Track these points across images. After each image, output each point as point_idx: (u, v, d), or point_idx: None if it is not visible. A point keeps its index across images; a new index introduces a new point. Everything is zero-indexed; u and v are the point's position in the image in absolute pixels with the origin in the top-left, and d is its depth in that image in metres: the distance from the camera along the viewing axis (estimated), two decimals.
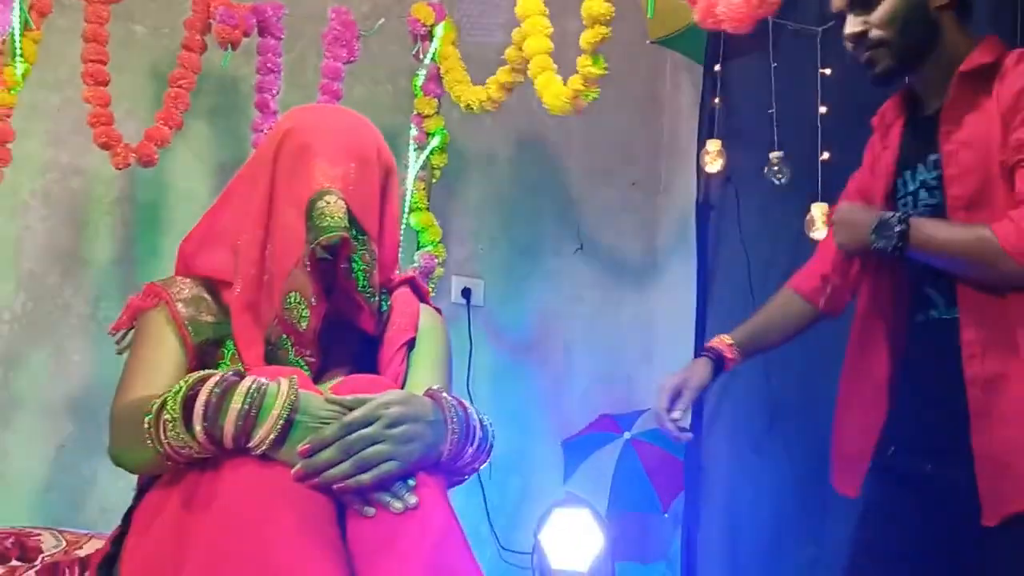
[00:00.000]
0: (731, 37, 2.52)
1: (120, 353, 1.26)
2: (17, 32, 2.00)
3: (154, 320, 1.22)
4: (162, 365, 1.19)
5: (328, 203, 1.16)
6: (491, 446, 1.17)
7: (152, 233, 2.59)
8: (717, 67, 2.58)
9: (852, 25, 1.45)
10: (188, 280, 1.27)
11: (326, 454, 1.01)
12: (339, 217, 1.15)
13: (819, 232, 2.11)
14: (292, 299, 1.18)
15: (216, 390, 1.01)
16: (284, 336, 1.20)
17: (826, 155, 2.24)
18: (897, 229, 1.34)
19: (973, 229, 1.32)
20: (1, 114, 2.00)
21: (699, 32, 2.36)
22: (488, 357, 2.97)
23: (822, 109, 2.28)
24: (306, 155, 1.20)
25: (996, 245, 1.27)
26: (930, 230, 1.35)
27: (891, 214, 1.38)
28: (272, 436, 1.00)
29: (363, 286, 1.22)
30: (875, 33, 1.42)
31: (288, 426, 1.01)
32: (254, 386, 1.02)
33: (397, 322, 1.30)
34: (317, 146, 1.21)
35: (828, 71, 2.29)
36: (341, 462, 1.02)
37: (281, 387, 1.03)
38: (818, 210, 2.14)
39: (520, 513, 2.97)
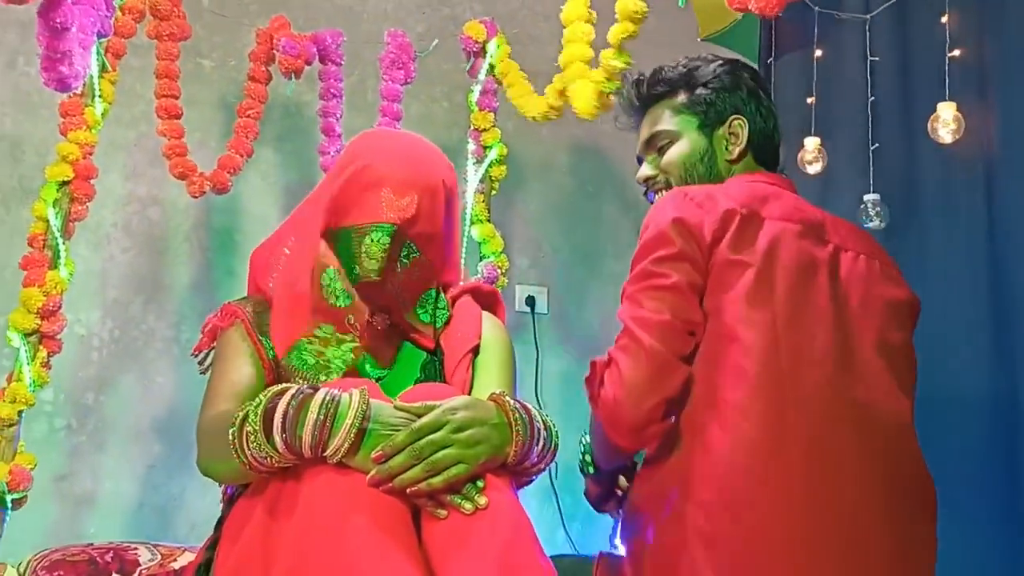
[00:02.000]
0: (781, 31, 2.51)
1: (203, 373, 1.33)
2: (96, 75, 2.11)
3: (232, 338, 1.29)
4: (242, 380, 1.25)
5: (373, 241, 1.24)
6: (556, 447, 1.20)
7: (228, 257, 2.69)
8: (770, 61, 2.57)
9: (645, 169, 1.49)
10: (258, 299, 1.34)
11: (398, 459, 1.06)
12: (379, 259, 1.25)
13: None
14: (327, 276, 1.26)
15: (293, 403, 1.06)
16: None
17: (876, 144, 2.22)
18: (584, 453, 1.40)
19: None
20: (84, 152, 2.10)
21: (750, 28, 2.35)
22: (555, 364, 2.99)
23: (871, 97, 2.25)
24: (373, 185, 1.26)
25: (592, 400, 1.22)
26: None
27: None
28: (346, 445, 1.05)
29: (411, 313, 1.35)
30: (661, 176, 1.45)
31: (361, 434, 1.06)
32: (328, 397, 1.06)
33: (460, 331, 1.34)
34: (383, 176, 1.26)
35: (877, 58, 2.27)
36: (413, 467, 1.06)
37: (353, 398, 1.07)
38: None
39: (595, 518, 2.97)
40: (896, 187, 2.20)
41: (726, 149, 1.40)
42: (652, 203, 1.46)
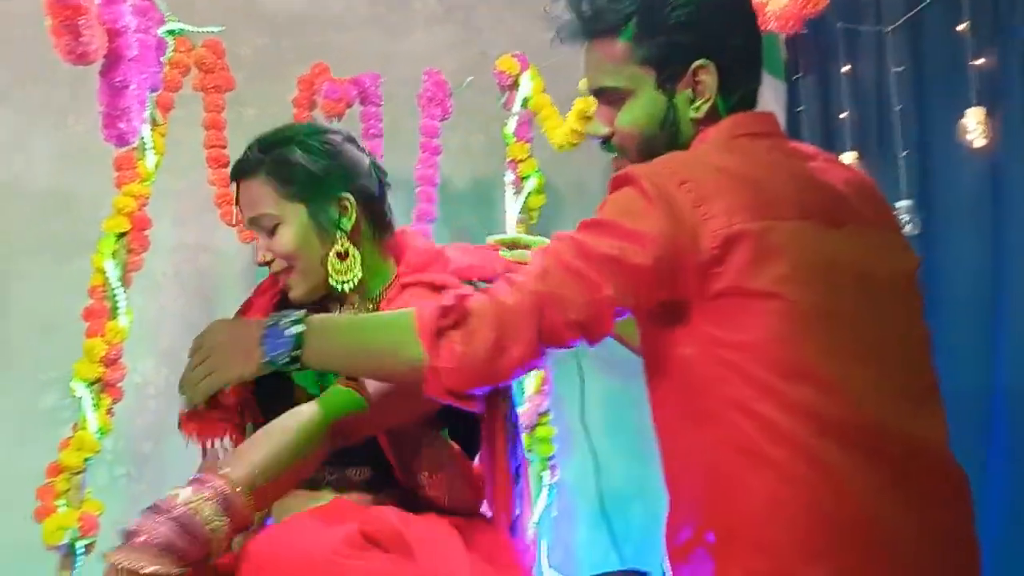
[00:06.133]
0: (806, 48, 2.55)
1: None
2: (147, 129, 2.18)
3: None
4: None
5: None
6: None
7: None
8: (796, 78, 2.61)
9: (598, 124, 1.18)
10: None
11: None
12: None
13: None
14: None
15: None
16: None
17: (905, 152, 2.26)
18: (290, 332, 1.04)
19: (395, 314, 1.04)
20: (139, 203, 2.17)
21: (772, 45, 2.40)
22: (600, 386, 3.00)
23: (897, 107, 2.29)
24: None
25: (409, 327, 0.98)
26: (328, 326, 1.07)
27: (282, 315, 1.07)
28: None
29: None
30: (616, 139, 1.16)
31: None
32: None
33: None
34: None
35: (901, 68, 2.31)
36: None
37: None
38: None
39: (647, 540, 2.97)
40: (926, 192, 2.25)
41: (692, 107, 1.11)
42: (614, 163, 1.18)
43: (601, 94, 1.16)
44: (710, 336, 1.00)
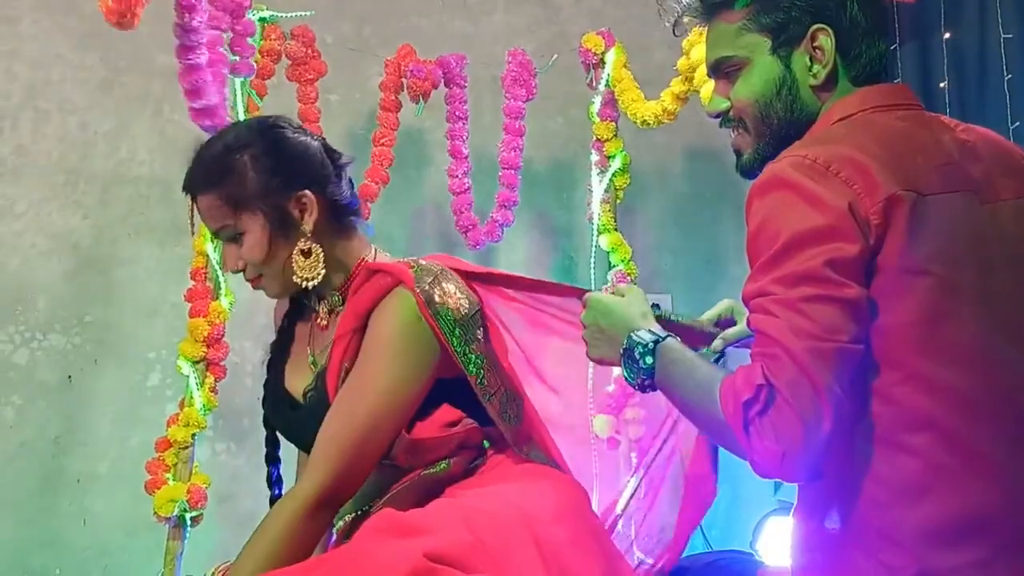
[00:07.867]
0: (902, 16, 2.47)
1: None
2: (241, 114, 2.24)
3: None
4: None
5: None
6: None
7: None
8: (894, 47, 2.53)
9: (715, 100, 1.16)
10: None
11: None
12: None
13: None
14: None
15: None
16: None
17: (1016, 123, 2.16)
18: (643, 363, 1.04)
19: (713, 374, 0.97)
20: None
21: None
22: None
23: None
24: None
25: (717, 405, 0.93)
26: (673, 371, 1.03)
27: (639, 338, 1.06)
28: None
29: None
30: (734, 111, 1.14)
31: None
32: None
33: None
34: None
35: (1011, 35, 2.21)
36: None
37: None
38: None
39: (733, 523, 2.94)
40: None
41: (810, 72, 1.08)
42: (732, 140, 1.17)
43: (718, 69, 1.15)
44: None
